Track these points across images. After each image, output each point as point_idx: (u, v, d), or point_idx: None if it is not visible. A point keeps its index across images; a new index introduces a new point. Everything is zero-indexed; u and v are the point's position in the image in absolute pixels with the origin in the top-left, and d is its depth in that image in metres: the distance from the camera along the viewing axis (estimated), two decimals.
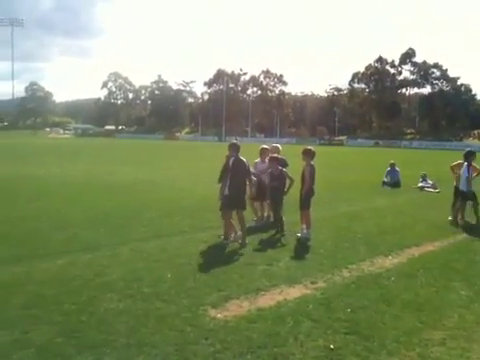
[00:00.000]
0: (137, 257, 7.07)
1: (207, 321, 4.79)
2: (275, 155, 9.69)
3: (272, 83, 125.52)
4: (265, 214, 10.05)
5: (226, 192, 8.17)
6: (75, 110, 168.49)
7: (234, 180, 8.15)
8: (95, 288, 5.66)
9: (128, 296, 5.41)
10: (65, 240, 8.02)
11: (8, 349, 4.09)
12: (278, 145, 10.61)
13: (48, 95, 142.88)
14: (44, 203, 11.62)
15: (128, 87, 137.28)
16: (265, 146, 10.34)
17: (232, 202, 8.20)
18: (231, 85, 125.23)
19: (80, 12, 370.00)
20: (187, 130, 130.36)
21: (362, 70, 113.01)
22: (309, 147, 9.22)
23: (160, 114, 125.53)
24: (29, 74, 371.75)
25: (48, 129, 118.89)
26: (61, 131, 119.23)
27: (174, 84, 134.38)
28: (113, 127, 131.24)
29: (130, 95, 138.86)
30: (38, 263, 6.62)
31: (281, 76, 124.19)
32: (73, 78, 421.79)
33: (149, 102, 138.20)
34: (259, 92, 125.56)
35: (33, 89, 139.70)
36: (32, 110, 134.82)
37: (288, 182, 9.09)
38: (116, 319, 4.76)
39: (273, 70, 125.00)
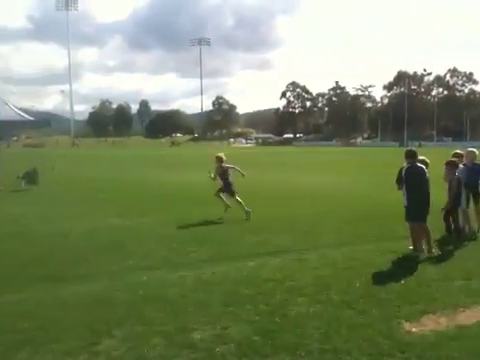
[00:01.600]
0: (324, 264, 7.12)
1: (402, 334, 4.60)
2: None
3: (460, 82, 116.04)
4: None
5: (405, 203, 7.73)
6: (256, 120, 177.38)
7: (412, 190, 7.58)
8: (286, 291, 5.87)
9: (318, 302, 5.49)
10: (256, 243, 8.49)
11: (212, 343, 4.46)
12: (474, 150, 9.67)
13: (232, 107, 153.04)
14: (234, 209, 12.44)
15: (305, 96, 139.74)
16: (459, 151, 9.54)
17: (411, 214, 7.70)
18: (413, 87, 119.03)
19: (259, 26, 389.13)
20: (365, 136, 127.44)
21: None
22: None
23: (337, 121, 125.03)
24: (215, 89, 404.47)
25: (232, 139, 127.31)
26: (243, 141, 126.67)
27: (352, 90, 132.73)
28: (291, 135, 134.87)
29: (308, 103, 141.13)
30: (233, 264, 7.12)
31: (471, 74, 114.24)
32: (253, 90, 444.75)
33: (326, 109, 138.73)
34: (445, 92, 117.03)
35: (219, 102, 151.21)
36: (218, 122, 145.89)
37: None
38: (308, 323, 4.86)
39: (461, 68, 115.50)
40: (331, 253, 7.72)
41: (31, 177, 18.32)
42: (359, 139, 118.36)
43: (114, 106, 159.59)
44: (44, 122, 20.49)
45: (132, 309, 5.28)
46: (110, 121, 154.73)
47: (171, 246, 8.30)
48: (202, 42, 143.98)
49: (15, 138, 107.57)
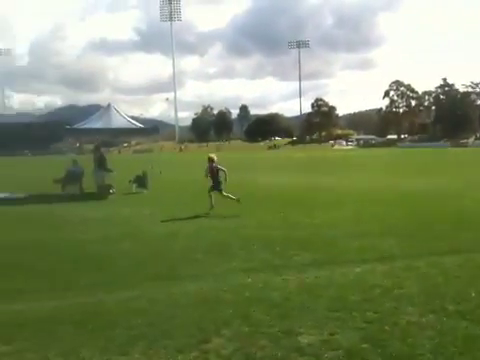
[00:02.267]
0: (435, 271, 6.74)
1: None
2: None
3: None
4: None
5: None
6: (357, 122, 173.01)
7: None
8: (395, 299, 5.64)
9: (430, 311, 5.20)
10: (360, 248, 8.26)
11: (319, 348, 4.40)
12: None
13: (332, 109, 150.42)
14: (337, 212, 12.26)
15: (410, 94, 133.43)
16: None
17: None
18: None
19: (360, 25, 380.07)
20: (479, 135, 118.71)
21: None
22: None
23: (446, 120, 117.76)
24: (314, 91, 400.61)
25: (332, 141, 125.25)
26: (344, 143, 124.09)
27: (461, 87, 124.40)
28: (395, 136, 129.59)
29: (412, 102, 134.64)
30: (338, 269, 7.00)
31: None
32: (354, 90, 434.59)
33: (433, 108, 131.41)
34: None
35: (318, 105, 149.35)
36: (317, 124, 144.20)
37: None
38: (420, 333, 4.62)
39: None
40: (441, 260, 7.29)
41: (141, 181, 19.43)
42: (471, 139, 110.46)
43: (215, 112, 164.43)
44: (153, 129, 21.64)
45: (238, 310, 5.39)
46: (211, 126, 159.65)
47: (274, 249, 8.35)
48: (301, 44, 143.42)
49: (126, 144, 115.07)
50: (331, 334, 4.69)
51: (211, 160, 13.10)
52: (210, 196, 12.98)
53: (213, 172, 13.06)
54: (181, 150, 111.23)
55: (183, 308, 5.51)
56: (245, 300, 5.73)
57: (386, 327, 4.81)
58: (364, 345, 4.42)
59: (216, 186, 12.98)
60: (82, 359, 4.30)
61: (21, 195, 18.20)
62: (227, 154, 75.45)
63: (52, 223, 11.93)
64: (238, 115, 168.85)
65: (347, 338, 4.59)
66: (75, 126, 20.11)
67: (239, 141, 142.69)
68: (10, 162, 50.37)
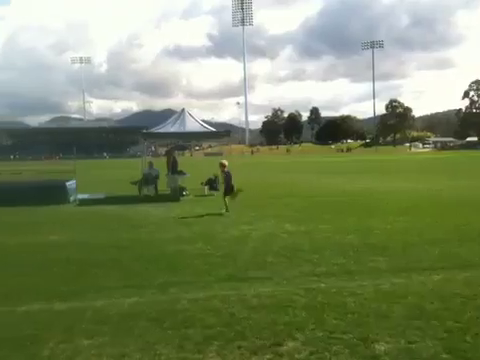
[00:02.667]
0: None
1: None
2: None
3: None
4: None
5: None
6: (434, 123, 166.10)
7: None
8: (477, 309, 5.35)
9: None
10: (439, 255, 7.91)
11: (397, 357, 4.23)
12: None
13: (407, 111, 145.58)
14: (414, 217, 11.82)
15: None
16: None
17: None
18: None
19: (436, 24, 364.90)
20: None
21: None
22: None
23: None
24: (388, 92, 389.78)
25: (407, 144, 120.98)
26: (420, 145, 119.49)
27: None
28: (475, 138, 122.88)
29: None
30: (415, 276, 6.74)
31: None
32: (431, 91, 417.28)
33: None
34: None
35: (393, 106, 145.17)
36: (392, 126, 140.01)
37: None
38: None
39: None
40: None
41: (213, 183, 19.76)
42: None
43: (285, 115, 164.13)
44: (225, 133, 21.94)
45: (311, 314, 5.33)
46: (281, 129, 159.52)
47: (347, 254, 8.19)
48: (374, 45, 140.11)
49: (197, 147, 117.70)
50: (409, 343, 4.53)
51: (223, 166, 14.14)
52: (225, 200, 13.70)
53: (227, 178, 13.96)
54: (253, 153, 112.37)
55: (256, 310, 5.53)
56: (318, 304, 5.66)
57: (468, 338, 4.58)
58: (445, 355, 4.23)
59: (227, 190, 13.81)
60: (159, 356, 4.43)
61: (100, 196, 19.14)
62: (299, 158, 75.00)
63: (128, 223, 12.41)
64: (308, 118, 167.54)
65: (427, 347, 4.41)
66: (151, 130, 20.81)
67: (310, 144, 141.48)
68: (90, 164, 53.00)
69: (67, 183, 17.80)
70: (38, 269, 7.78)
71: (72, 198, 17.70)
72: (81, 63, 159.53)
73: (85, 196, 18.74)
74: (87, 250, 9.16)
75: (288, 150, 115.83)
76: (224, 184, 14.17)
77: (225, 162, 14.23)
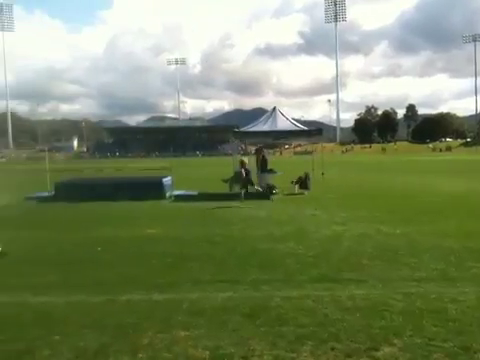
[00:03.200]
0: None
1: None
2: None
3: None
4: None
5: None
6: None
7: None
8: None
9: None
10: None
11: None
12: None
13: None
14: None
15: None
16: None
17: None
18: None
19: None
20: None
21: None
22: None
23: None
24: None
25: None
26: None
27: None
28: None
29: None
30: None
31: None
32: None
33: None
34: None
35: None
36: None
37: None
38: None
39: None
40: None
41: (303, 182, 19.62)
42: None
43: (379, 112, 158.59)
44: (317, 131, 21.70)
45: (409, 319, 5.12)
46: (375, 127, 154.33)
47: (448, 259, 7.75)
48: (477, 38, 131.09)
49: (287, 146, 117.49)
50: None
51: (243, 163, 17.43)
52: (242, 193, 16.52)
53: (247, 173, 17.26)
54: (345, 152, 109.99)
55: (350, 312, 5.41)
56: (417, 310, 5.42)
57: None
58: None
59: (246, 182, 17.05)
60: (252, 351, 4.48)
61: (194, 193, 19.77)
62: (394, 157, 72.18)
63: (221, 219, 12.70)
64: (404, 115, 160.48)
65: None
66: (243, 129, 21.12)
67: (405, 143, 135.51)
68: (184, 162, 54.95)
69: (164, 180, 18.61)
70: (137, 261, 8.21)
71: (168, 194, 18.47)
72: (176, 64, 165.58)
73: (180, 192, 19.46)
74: (182, 244, 9.51)
75: (383, 149, 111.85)
76: (243, 179, 17.10)
77: (245, 160, 17.79)
